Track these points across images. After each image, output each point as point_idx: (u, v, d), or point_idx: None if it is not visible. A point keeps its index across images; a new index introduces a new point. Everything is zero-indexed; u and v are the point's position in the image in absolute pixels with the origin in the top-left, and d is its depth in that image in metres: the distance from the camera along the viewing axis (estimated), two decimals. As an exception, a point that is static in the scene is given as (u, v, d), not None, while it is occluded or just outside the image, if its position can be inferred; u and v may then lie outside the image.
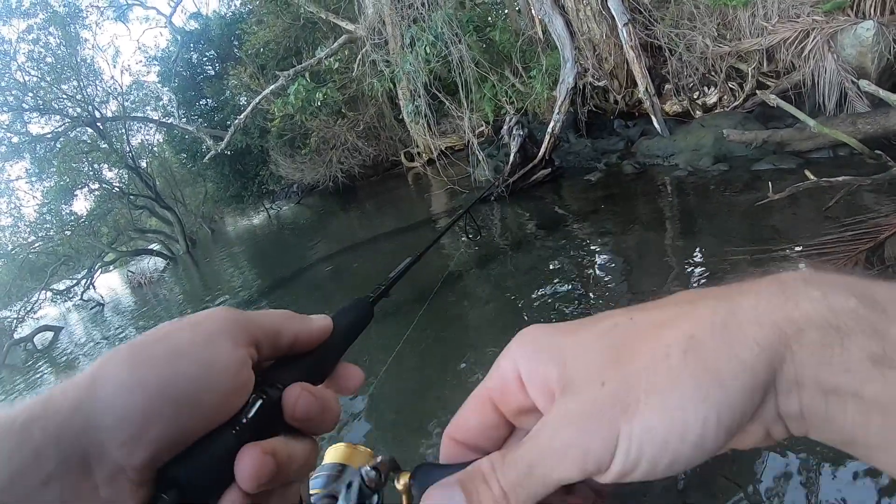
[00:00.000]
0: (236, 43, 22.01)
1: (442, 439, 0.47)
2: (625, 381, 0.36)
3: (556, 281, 5.39)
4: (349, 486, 0.71)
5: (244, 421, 0.43)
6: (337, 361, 0.55)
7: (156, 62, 26.50)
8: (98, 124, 23.09)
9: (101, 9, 25.68)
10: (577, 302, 4.82)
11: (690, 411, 0.34)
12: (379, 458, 0.71)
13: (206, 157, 20.58)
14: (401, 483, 0.50)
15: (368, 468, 0.69)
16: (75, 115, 22.73)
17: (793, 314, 0.34)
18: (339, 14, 15.52)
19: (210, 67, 25.23)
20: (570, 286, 5.21)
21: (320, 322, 0.53)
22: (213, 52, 24.76)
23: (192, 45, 24.85)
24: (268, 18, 18.53)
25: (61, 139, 23.12)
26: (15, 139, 22.34)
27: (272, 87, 15.49)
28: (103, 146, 23.64)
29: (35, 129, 23.01)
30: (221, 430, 0.42)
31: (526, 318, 4.75)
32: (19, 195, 24.77)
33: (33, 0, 22.11)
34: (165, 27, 26.80)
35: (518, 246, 7.11)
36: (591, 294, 4.94)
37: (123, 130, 25.06)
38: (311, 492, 0.71)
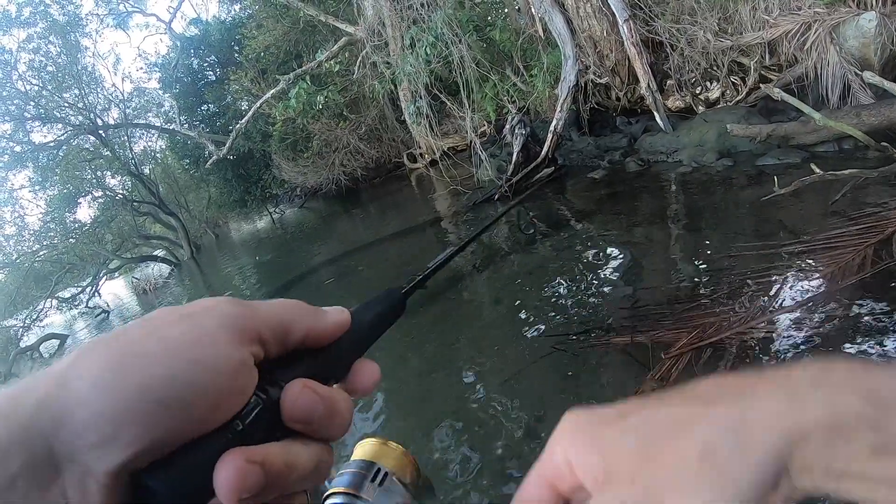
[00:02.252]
0: (236, 48, 22.04)
1: None
2: (651, 482, 0.40)
3: (561, 280, 5.37)
4: (378, 484, 0.68)
5: (240, 426, 0.40)
6: (355, 359, 0.50)
7: (156, 68, 26.57)
8: (100, 132, 23.14)
9: (101, 16, 25.73)
10: (581, 302, 4.80)
11: None
12: (410, 457, 0.71)
13: (209, 163, 20.63)
14: None
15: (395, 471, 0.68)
16: (77, 123, 22.79)
17: (800, 419, 0.37)
18: (339, 17, 15.53)
19: (211, 73, 25.27)
20: (575, 286, 5.18)
21: (336, 316, 0.49)
22: (213, 57, 24.79)
23: (192, 50, 24.89)
24: (267, 22, 18.54)
25: (64, 147, 23.20)
26: (18, 148, 22.42)
27: (273, 90, 15.52)
28: (106, 153, 23.71)
29: (37, 138, 23.12)
30: (213, 434, 0.38)
31: (531, 319, 4.73)
32: (23, 204, 24.76)
33: (33, 9, 22.14)
34: (165, 33, 26.84)
35: (523, 245, 7.09)
36: (597, 293, 4.91)
37: (126, 137, 25.15)
38: (333, 490, 0.66)
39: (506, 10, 13.79)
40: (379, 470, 0.69)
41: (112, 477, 0.35)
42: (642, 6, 9.34)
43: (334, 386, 0.47)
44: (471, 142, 11.40)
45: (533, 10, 10.72)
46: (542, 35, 11.06)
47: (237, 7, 25.05)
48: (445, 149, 12.82)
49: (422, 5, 11.90)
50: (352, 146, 17.55)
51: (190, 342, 0.39)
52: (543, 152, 9.61)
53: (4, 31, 21.77)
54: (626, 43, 9.22)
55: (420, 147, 15.62)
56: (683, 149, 8.38)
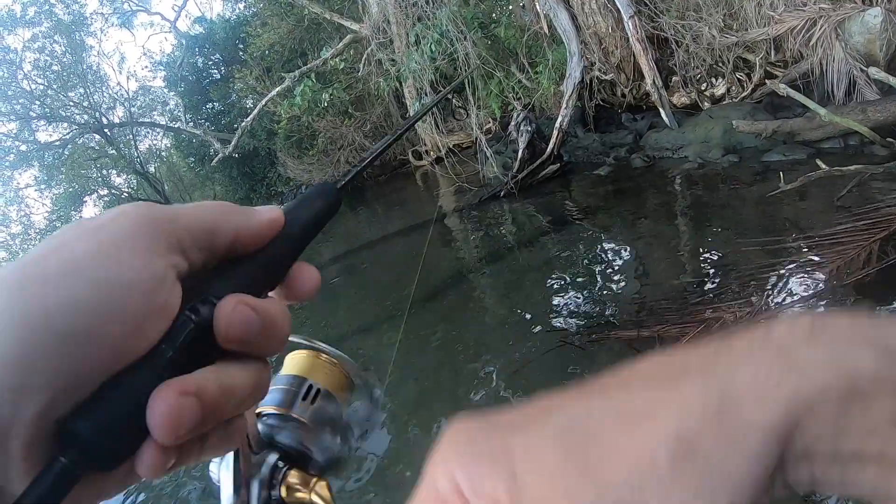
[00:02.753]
0: (241, 46, 22.01)
1: None
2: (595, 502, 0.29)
3: (566, 277, 5.39)
4: (311, 402, 0.61)
5: (168, 352, 0.35)
6: (292, 262, 0.45)
7: (161, 67, 26.56)
8: (105, 130, 23.22)
9: (106, 16, 25.78)
10: (588, 297, 4.82)
11: None
12: (346, 366, 0.67)
13: (214, 161, 20.64)
14: None
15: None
16: (82, 121, 22.86)
17: (801, 387, 0.28)
18: (344, 14, 15.52)
19: (216, 71, 25.25)
20: (581, 282, 5.20)
21: (267, 214, 0.43)
22: (218, 55, 24.77)
23: (197, 49, 24.88)
24: (272, 20, 18.53)
25: (69, 146, 23.27)
26: (23, 147, 22.49)
27: (278, 88, 15.51)
28: (111, 152, 23.80)
29: (43, 137, 23.19)
30: (139, 364, 0.34)
31: (538, 314, 4.75)
32: (29, 203, 24.90)
33: (38, 9, 22.19)
34: (170, 32, 26.79)
35: (528, 242, 7.10)
36: (603, 288, 4.93)
37: (131, 136, 25.20)
38: (262, 409, 0.60)
39: (510, 7, 13.77)
40: (311, 386, 0.64)
41: (32, 428, 0.31)
42: (647, 2, 9.35)
43: (270, 294, 0.43)
44: (476, 139, 11.39)
45: (538, 6, 10.71)
46: (546, 32, 11.04)
47: (241, 5, 25.00)
48: (451, 146, 12.79)
49: (426, 2, 11.90)
50: (357, 144, 17.52)
51: (95, 258, 0.34)
52: (549, 149, 9.60)
53: (10, 30, 21.83)
54: (631, 39, 9.22)
55: (425, 144, 15.60)
56: (689, 145, 8.38)
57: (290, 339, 0.50)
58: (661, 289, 4.46)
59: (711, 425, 0.28)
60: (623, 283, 4.91)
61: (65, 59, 23.09)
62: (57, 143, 22.87)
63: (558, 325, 4.43)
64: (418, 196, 14.63)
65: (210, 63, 25.42)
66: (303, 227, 0.45)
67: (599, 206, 7.56)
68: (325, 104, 14.49)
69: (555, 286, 5.26)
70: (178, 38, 26.12)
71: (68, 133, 23.03)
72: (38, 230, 24.09)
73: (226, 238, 0.40)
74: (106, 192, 24.98)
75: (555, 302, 4.92)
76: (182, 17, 27.08)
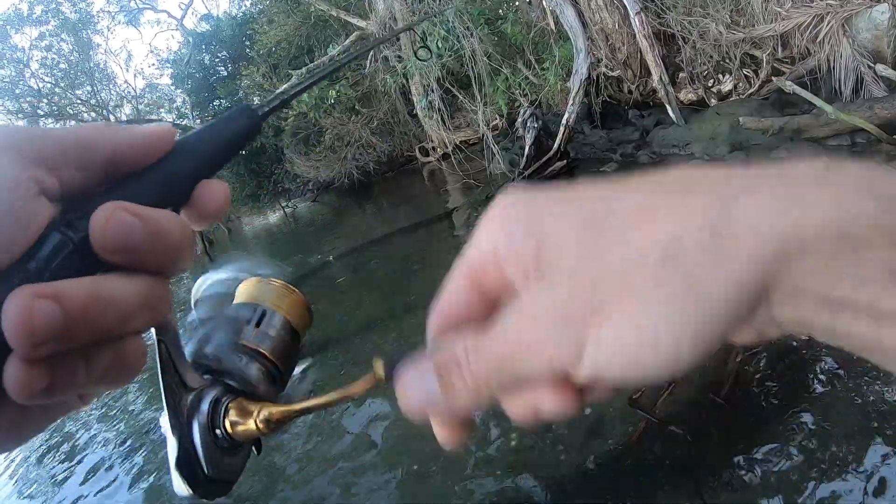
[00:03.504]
0: (248, 43, 22.03)
1: (428, 322, 0.40)
2: (598, 280, 0.32)
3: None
4: (256, 325, 0.59)
5: (33, 265, 0.33)
6: (194, 181, 0.41)
7: (168, 64, 26.55)
8: (113, 128, 23.24)
9: (113, 14, 25.81)
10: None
11: (664, 325, 0.31)
12: (294, 295, 0.64)
13: (221, 158, 20.64)
14: (377, 370, 0.43)
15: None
16: (90, 119, 22.88)
17: (799, 221, 0.29)
18: (350, 11, 15.52)
19: (223, 68, 25.27)
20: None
21: (153, 128, 0.40)
22: (225, 52, 24.79)
23: (203, 46, 24.90)
24: (279, 17, 18.52)
25: (78, 144, 23.32)
26: (32, 145, 22.56)
27: (285, 86, 15.52)
28: (119, 149, 23.83)
29: (51, 135, 23.23)
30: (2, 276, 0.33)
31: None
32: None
33: (45, 7, 22.25)
34: (177, 30, 26.83)
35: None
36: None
37: (138, 133, 25.26)
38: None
39: (517, 3, 13.74)
40: (264, 312, 0.61)
41: None
42: (654, -1, 9.34)
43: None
44: (483, 135, 11.40)
45: (544, 2, 10.72)
46: (553, 28, 11.04)
47: (248, 2, 25.03)
48: (457, 142, 12.80)
49: (433, -1, 11.92)
50: (364, 140, 17.53)
51: None
52: (555, 145, 9.59)
53: (17, 29, 21.90)
54: (637, 35, 9.21)
55: (432, 141, 15.59)
56: (696, 142, 8.36)
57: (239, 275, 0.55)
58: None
59: (703, 238, 0.30)
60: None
61: (72, 58, 23.18)
62: (65, 140, 22.95)
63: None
64: (425, 193, 14.62)
65: (217, 60, 25.45)
66: (208, 144, 0.43)
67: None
68: (332, 101, 14.51)
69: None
70: (184, 35, 26.16)
71: (76, 131, 23.11)
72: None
73: (102, 152, 0.38)
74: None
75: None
76: (189, 14, 27.18)
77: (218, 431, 0.51)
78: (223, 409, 0.51)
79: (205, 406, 0.51)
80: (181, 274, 0.43)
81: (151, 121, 25.53)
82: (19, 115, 21.67)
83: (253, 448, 0.57)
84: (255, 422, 0.51)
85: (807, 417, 2.78)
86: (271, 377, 0.57)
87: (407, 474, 3.37)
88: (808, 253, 0.29)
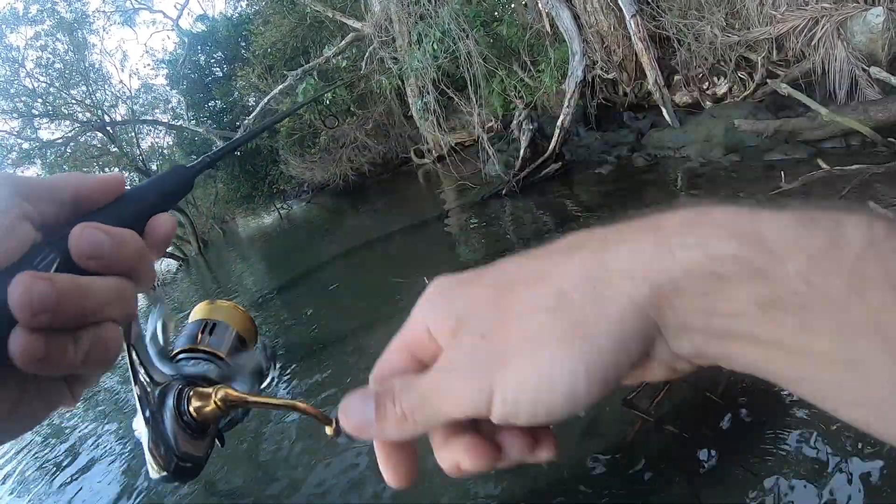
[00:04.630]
0: (243, 44, 22.01)
1: (369, 381, 0.46)
2: (500, 334, 0.38)
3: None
4: (209, 333, 0.70)
5: (24, 268, 0.41)
6: (145, 219, 0.51)
7: (164, 65, 26.52)
8: (108, 128, 23.16)
9: (108, 14, 25.74)
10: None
11: (557, 365, 0.35)
12: (240, 309, 0.73)
13: (216, 159, 20.59)
14: (330, 430, 0.49)
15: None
16: (85, 119, 22.80)
17: (666, 265, 0.33)
18: (346, 12, 15.54)
19: (218, 69, 25.25)
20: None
21: (106, 176, 0.51)
22: (220, 53, 24.77)
23: (199, 47, 24.88)
24: (274, 18, 18.54)
25: (72, 144, 23.23)
26: (26, 145, 22.46)
27: (280, 86, 15.53)
28: (113, 150, 23.73)
29: (45, 135, 23.12)
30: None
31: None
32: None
33: (40, 6, 22.18)
34: (172, 30, 26.84)
35: (530, 240, 7.10)
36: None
37: (133, 134, 25.17)
38: (175, 351, 0.69)
39: (513, 6, 13.78)
40: (208, 322, 0.72)
41: None
42: (649, 1, 9.37)
43: None
44: (478, 137, 11.40)
45: (540, 5, 10.73)
46: (549, 30, 11.06)
47: (244, 3, 25.01)
48: (453, 144, 12.80)
49: (429, 0, 11.90)
50: (359, 142, 17.54)
51: None
52: (551, 147, 9.62)
53: (12, 28, 21.82)
54: (633, 38, 9.23)
55: (427, 142, 15.59)
56: (691, 144, 8.39)
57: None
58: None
59: (586, 288, 0.36)
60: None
61: (67, 57, 23.04)
62: (59, 140, 22.82)
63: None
64: (420, 194, 14.63)
65: (212, 61, 25.43)
66: (150, 192, 0.53)
67: (601, 205, 7.57)
68: (328, 102, 14.52)
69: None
70: (180, 35, 26.14)
71: (71, 131, 22.97)
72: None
73: (65, 191, 0.48)
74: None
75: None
76: (184, 14, 27.12)
77: (184, 417, 0.58)
78: (186, 396, 0.59)
79: (171, 395, 0.59)
80: (147, 285, 0.52)
81: (147, 121, 25.53)
82: (14, 115, 21.60)
83: (216, 440, 0.64)
84: (214, 401, 0.59)
85: (801, 416, 2.78)
86: (224, 371, 0.67)
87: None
88: (681, 291, 0.33)
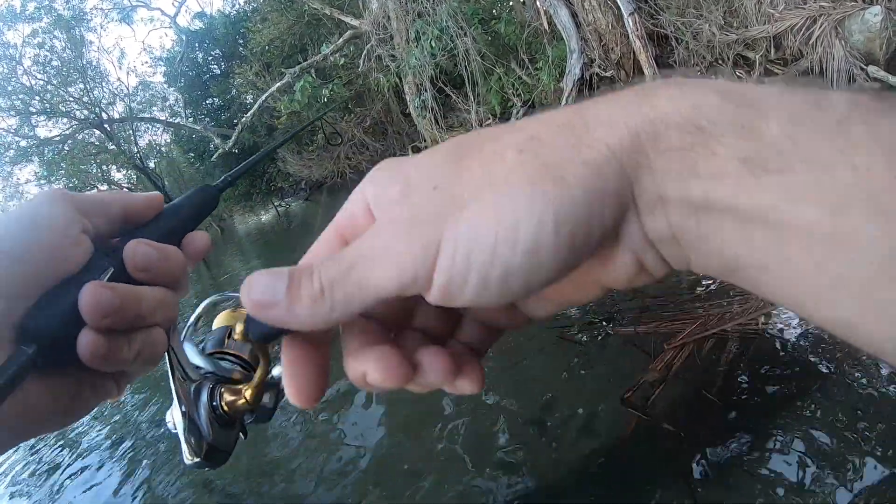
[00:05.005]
0: (241, 41, 22.02)
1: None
2: (456, 183, 0.33)
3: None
4: (233, 339, 0.79)
5: (87, 276, 0.48)
6: (181, 234, 0.59)
7: (161, 63, 26.59)
8: (105, 126, 23.22)
9: (106, 11, 25.74)
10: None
11: (523, 209, 0.30)
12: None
13: (214, 156, 20.61)
14: (238, 331, 0.43)
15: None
16: (82, 117, 22.87)
17: (649, 114, 0.30)
18: (344, 10, 15.52)
19: (216, 66, 25.27)
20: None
21: (148, 195, 0.59)
22: (218, 51, 24.79)
23: (197, 44, 24.89)
24: (272, 16, 18.54)
25: (69, 142, 23.27)
26: (23, 143, 22.50)
27: (278, 84, 15.52)
28: (111, 148, 23.81)
29: (43, 133, 23.28)
30: (66, 281, 0.47)
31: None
32: (29, 198, 24.90)
33: (38, 4, 22.17)
34: (170, 28, 26.84)
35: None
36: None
37: (131, 131, 25.18)
38: (209, 353, 0.78)
39: (511, 3, 13.76)
40: (230, 329, 0.82)
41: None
42: (647, -1, 9.36)
43: None
44: (476, 135, 11.41)
45: (538, 2, 10.71)
46: (547, 28, 11.04)
47: (241, 1, 25.01)
48: (450, 142, 12.80)
49: (427, -2, 11.91)
50: (357, 139, 17.54)
51: (23, 209, 0.50)
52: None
53: (10, 26, 21.83)
54: (631, 36, 9.22)
55: (425, 140, 15.57)
56: (688, 142, 8.38)
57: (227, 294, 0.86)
58: (660, 285, 4.48)
59: (562, 133, 0.32)
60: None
61: (64, 55, 23.08)
62: (57, 138, 22.88)
63: (557, 320, 4.44)
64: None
65: (210, 58, 25.45)
66: (184, 210, 0.61)
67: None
68: (325, 100, 14.50)
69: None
70: (178, 33, 26.17)
71: (68, 128, 23.05)
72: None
73: (117, 208, 0.56)
74: (106, 187, 24.98)
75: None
76: (182, 12, 27.14)
77: (217, 410, 0.66)
78: (219, 392, 0.68)
79: (205, 391, 0.67)
80: (185, 294, 0.59)
81: (144, 119, 25.55)
82: (11, 113, 21.59)
83: (241, 433, 0.73)
84: (244, 397, 0.67)
85: (799, 414, 2.78)
86: (245, 370, 0.77)
87: (398, 474, 3.37)
88: (661, 140, 0.30)
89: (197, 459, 0.61)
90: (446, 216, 0.32)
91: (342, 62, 15.32)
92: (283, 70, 15.89)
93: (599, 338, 3.97)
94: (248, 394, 0.66)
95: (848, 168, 0.26)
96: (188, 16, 27.94)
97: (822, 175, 0.26)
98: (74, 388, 0.50)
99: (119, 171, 26.10)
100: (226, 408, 0.67)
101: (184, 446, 0.62)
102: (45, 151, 22.96)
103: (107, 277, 0.49)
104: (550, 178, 0.30)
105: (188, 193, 0.63)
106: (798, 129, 0.27)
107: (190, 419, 0.62)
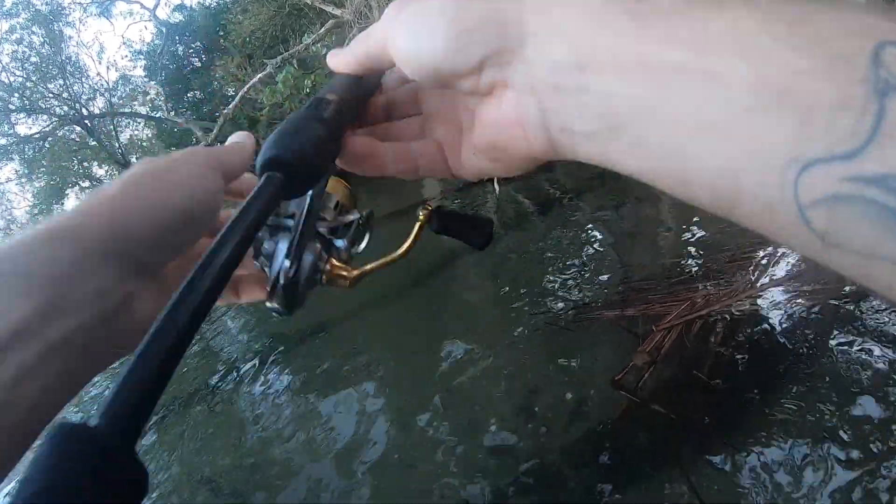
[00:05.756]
0: (222, 33, 21.82)
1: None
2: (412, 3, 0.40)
3: (552, 259, 5.40)
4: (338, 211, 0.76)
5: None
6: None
7: (141, 56, 26.29)
8: (86, 122, 23.00)
9: (84, 5, 25.45)
10: (573, 278, 4.83)
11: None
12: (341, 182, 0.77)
13: (197, 150, 20.50)
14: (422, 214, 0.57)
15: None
16: (62, 113, 22.63)
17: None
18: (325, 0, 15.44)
19: (196, 59, 25.07)
20: (566, 264, 5.21)
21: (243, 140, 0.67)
22: (198, 43, 24.57)
23: (177, 37, 24.68)
24: (252, 7, 18.41)
25: (49, 139, 23.05)
26: (3, 141, 22.25)
27: (260, 75, 15.42)
28: (92, 144, 23.59)
29: (23, 130, 22.91)
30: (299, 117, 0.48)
31: (522, 295, 4.76)
32: (10, 197, 24.69)
33: (15, 0, 21.94)
34: (149, 21, 26.54)
35: (513, 226, 7.11)
36: (588, 269, 4.94)
37: (112, 127, 24.96)
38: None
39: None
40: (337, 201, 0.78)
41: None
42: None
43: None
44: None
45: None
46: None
47: (221, -8, 24.84)
48: (435, 131, 12.79)
49: (408, -14, 11.85)
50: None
51: (182, 165, 0.50)
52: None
53: (-13, 23, 21.59)
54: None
55: (409, 130, 15.57)
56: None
57: None
58: (647, 269, 4.49)
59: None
60: (608, 265, 4.93)
61: (43, 51, 22.82)
62: (37, 135, 22.63)
63: (544, 306, 4.44)
64: (403, 181, 14.60)
65: (191, 51, 25.23)
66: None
67: (584, 189, 7.57)
68: (308, 90, 14.42)
69: (540, 268, 5.27)
70: (157, 26, 25.86)
71: (48, 125, 22.78)
72: (20, 224, 23.88)
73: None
74: (88, 184, 24.73)
75: (539, 283, 4.93)
76: (161, 5, 26.83)
77: (318, 273, 0.66)
78: (326, 260, 0.67)
79: (313, 250, 0.66)
80: None
81: (125, 114, 25.30)
82: (-10, 111, 21.38)
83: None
84: (350, 278, 0.67)
85: (790, 395, 2.80)
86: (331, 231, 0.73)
87: (390, 464, 3.37)
88: None
89: (277, 306, 0.62)
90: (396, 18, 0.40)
91: (324, 52, 15.23)
92: (264, 61, 15.80)
93: (587, 321, 3.98)
94: (353, 275, 0.67)
95: (721, 20, 0.27)
96: (168, 8, 27.54)
97: (696, 24, 0.28)
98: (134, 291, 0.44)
99: (101, 167, 25.84)
100: (325, 278, 0.67)
101: (274, 290, 0.62)
102: (26, 149, 22.73)
103: None
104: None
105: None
106: None
107: (292, 265, 0.62)
